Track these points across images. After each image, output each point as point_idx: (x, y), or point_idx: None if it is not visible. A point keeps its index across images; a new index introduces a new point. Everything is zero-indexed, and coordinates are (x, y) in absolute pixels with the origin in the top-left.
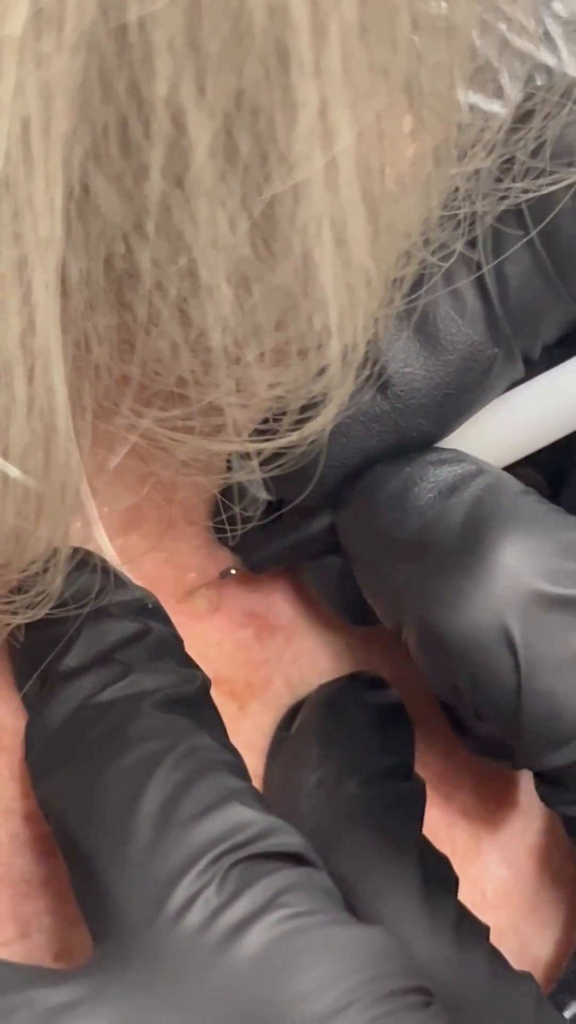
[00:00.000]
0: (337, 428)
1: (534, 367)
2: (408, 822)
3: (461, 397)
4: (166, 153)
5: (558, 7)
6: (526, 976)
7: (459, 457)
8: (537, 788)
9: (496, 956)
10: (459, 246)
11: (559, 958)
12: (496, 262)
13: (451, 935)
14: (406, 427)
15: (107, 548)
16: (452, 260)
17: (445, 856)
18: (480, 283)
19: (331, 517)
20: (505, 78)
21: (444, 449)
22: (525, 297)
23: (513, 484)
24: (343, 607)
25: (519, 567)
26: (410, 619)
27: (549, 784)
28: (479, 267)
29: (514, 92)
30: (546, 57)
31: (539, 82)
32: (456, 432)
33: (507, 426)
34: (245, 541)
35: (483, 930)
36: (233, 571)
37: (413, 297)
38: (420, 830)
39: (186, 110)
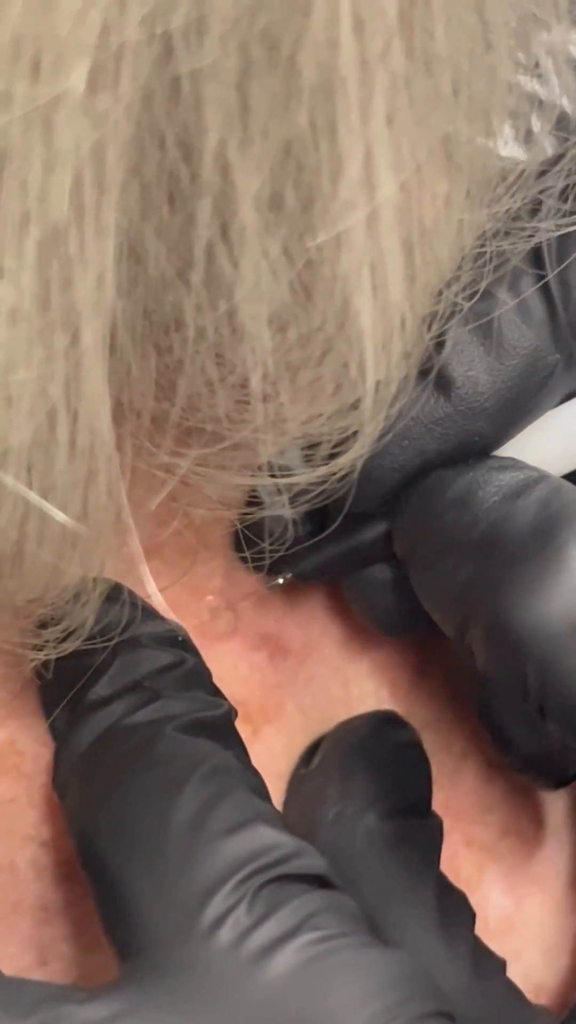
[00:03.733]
0: (399, 431)
1: None
2: (425, 857)
3: (522, 402)
4: (212, 204)
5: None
6: (543, 1010)
7: (520, 464)
8: None
9: (513, 988)
10: (484, 284)
11: (565, 986)
12: (560, 268)
13: (468, 966)
14: (467, 431)
15: (153, 589)
16: (514, 267)
17: (461, 891)
18: (545, 290)
19: (384, 525)
20: (535, 124)
21: (504, 457)
22: None
23: (575, 490)
24: (385, 619)
25: None
26: (477, 616)
27: None
28: (544, 274)
29: (543, 138)
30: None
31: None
32: (512, 441)
33: (564, 438)
34: (295, 549)
35: (500, 963)
36: (281, 580)
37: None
38: (437, 865)
39: (233, 162)
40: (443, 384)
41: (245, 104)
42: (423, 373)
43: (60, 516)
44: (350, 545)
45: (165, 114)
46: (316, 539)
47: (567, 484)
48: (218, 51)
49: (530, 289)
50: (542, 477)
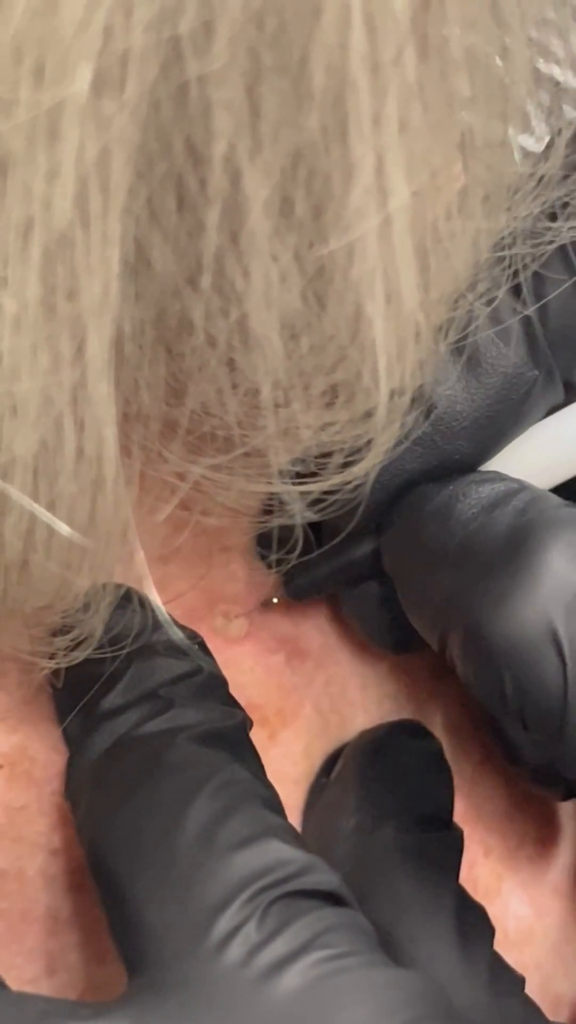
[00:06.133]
0: None
1: (574, 392)
2: (444, 870)
3: (502, 419)
4: (222, 210)
5: None
6: None
7: (501, 477)
8: None
9: (531, 1006)
10: (504, 290)
11: None
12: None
13: (486, 983)
14: (448, 449)
15: (155, 598)
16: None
17: (481, 906)
18: (522, 307)
19: (373, 543)
20: (555, 124)
21: (486, 471)
22: (565, 320)
23: (555, 498)
24: (381, 634)
25: (565, 568)
26: (455, 626)
27: None
28: (520, 291)
29: (562, 140)
30: None
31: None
32: (496, 456)
33: (547, 450)
34: (286, 568)
35: (518, 980)
36: (275, 600)
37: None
38: (456, 878)
39: (243, 168)
40: (422, 404)
41: (254, 109)
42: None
43: (65, 529)
44: (340, 563)
45: (172, 119)
46: (307, 557)
47: (548, 494)
48: (226, 55)
49: (507, 307)
50: (522, 488)
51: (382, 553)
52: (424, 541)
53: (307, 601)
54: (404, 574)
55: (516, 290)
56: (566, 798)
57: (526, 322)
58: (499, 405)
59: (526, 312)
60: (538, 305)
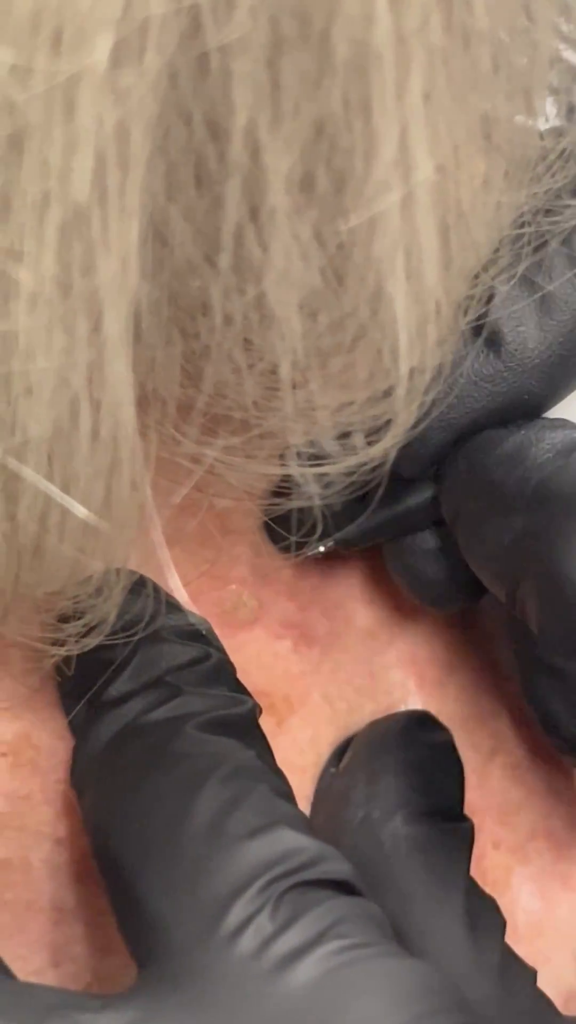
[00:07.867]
0: (447, 388)
1: None
2: (454, 862)
3: (573, 360)
4: (241, 185)
5: None
6: (574, 1021)
7: (572, 424)
8: None
9: (543, 999)
10: (522, 267)
11: None
12: None
13: (496, 976)
14: (516, 388)
15: (177, 584)
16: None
17: (492, 898)
18: None
19: (431, 490)
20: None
21: (555, 418)
22: None
23: None
24: (426, 588)
25: None
26: (531, 569)
27: None
28: None
29: None
30: None
31: None
32: (562, 404)
33: None
34: (339, 515)
35: (530, 973)
36: (322, 548)
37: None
38: (467, 870)
39: (263, 142)
40: (493, 341)
41: (275, 81)
42: (474, 330)
43: (81, 511)
44: (395, 511)
45: (192, 91)
46: (359, 502)
47: None
48: (247, 25)
49: None
50: None
51: (442, 499)
52: (493, 485)
53: (357, 548)
54: (468, 520)
55: None
56: None
57: None
58: (571, 344)
59: None
60: None
